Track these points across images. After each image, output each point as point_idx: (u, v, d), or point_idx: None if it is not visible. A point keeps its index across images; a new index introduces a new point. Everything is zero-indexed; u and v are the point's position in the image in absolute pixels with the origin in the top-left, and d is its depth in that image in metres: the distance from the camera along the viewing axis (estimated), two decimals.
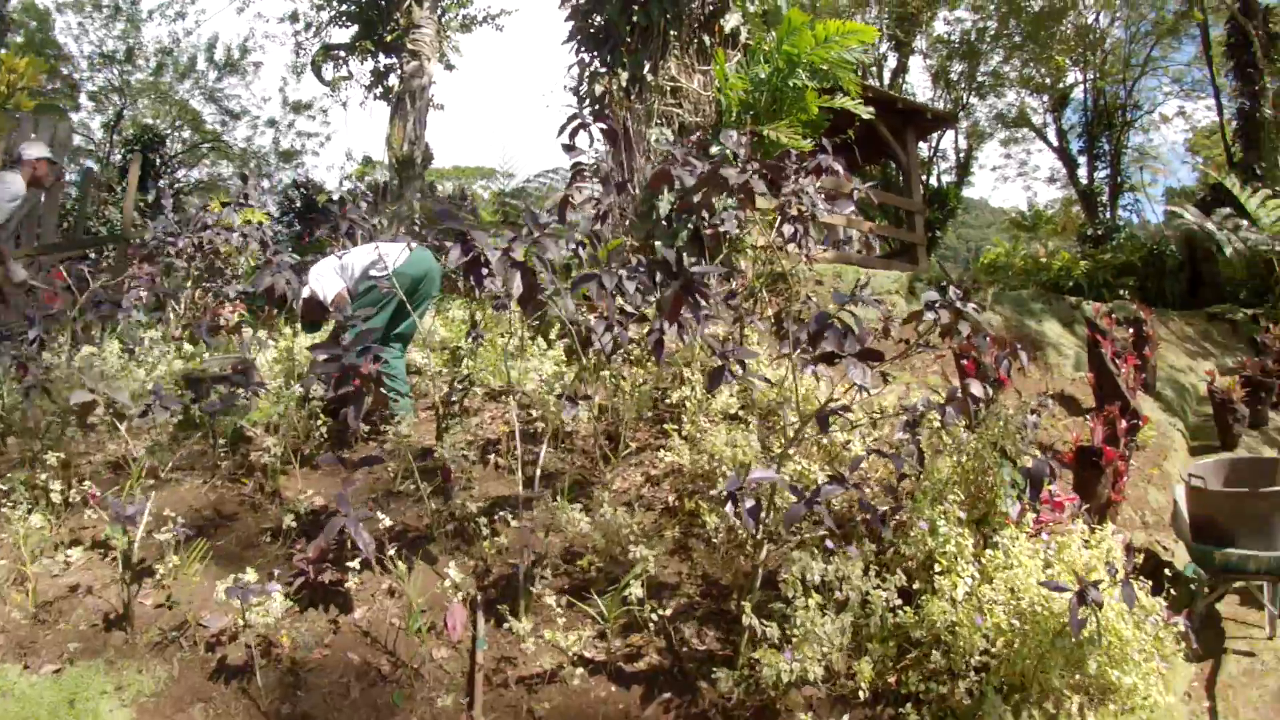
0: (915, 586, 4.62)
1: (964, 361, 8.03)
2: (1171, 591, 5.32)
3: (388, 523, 4.88)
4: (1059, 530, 5.31)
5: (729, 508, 3.74)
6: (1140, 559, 5.62)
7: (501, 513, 5.14)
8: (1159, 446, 9.49)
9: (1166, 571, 6.78)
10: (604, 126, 4.89)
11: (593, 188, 5.10)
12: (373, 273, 6.80)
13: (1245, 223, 18.04)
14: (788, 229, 5.71)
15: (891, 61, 30.92)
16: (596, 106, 10.93)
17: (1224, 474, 6.78)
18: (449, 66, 26.14)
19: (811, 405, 5.97)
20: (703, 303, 4.14)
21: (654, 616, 4.32)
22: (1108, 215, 30.55)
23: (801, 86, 10.58)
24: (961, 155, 32.85)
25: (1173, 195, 34.75)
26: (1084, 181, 31.82)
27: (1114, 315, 12.26)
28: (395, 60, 21.22)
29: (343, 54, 23.66)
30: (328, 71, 24.53)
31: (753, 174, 5.37)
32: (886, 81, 29.87)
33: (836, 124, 11.90)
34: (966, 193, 35.29)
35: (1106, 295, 18.05)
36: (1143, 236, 21.65)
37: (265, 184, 35.30)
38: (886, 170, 24.67)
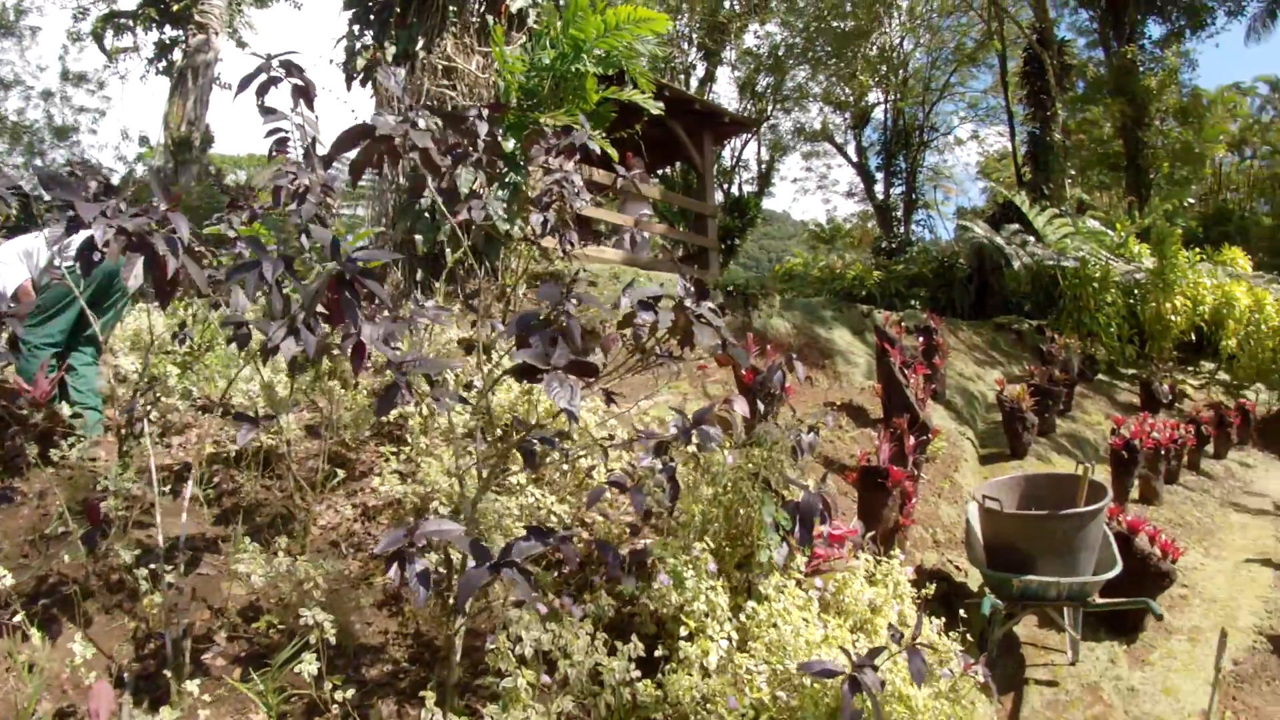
0: (659, 653, 3.85)
1: (743, 371, 7.47)
2: (964, 616, 4.91)
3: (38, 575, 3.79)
4: (839, 568, 4.73)
5: (393, 571, 2.85)
6: (931, 589, 5.14)
7: (178, 559, 4.07)
8: (949, 457, 9.24)
9: (964, 590, 6.45)
10: (299, 82, 3.86)
11: (297, 160, 4.10)
12: (58, 262, 5.64)
13: (1032, 239, 18.69)
14: (535, 218, 4.86)
15: (700, 70, 30.91)
16: (362, 83, 9.95)
17: (1019, 492, 6.40)
18: (241, 43, 24.21)
19: (559, 424, 5.24)
20: (363, 301, 3.21)
21: (338, 697, 3.38)
22: (902, 230, 31.59)
23: (584, 73, 9.86)
24: (763, 166, 33.20)
25: (963, 213, 36.27)
26: (880, 197, 32.80)
27: (904, 324, 12.14)
28: (181, 33, 19.33)
29: (128, 22, 21.43)
30: (109, 40, 22.27)
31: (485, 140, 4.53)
32: (693, 89, 29.73)
33: (625, 120, 11.29)
34: (768, 204, 35.97)
35: (898, 305, 18.24)
36: (934, 251, 22.19)
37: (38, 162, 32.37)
38: (689, 176, 24.53)
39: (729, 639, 3.83)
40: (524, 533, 3.14)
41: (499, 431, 5.38)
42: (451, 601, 3.62)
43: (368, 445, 5.67)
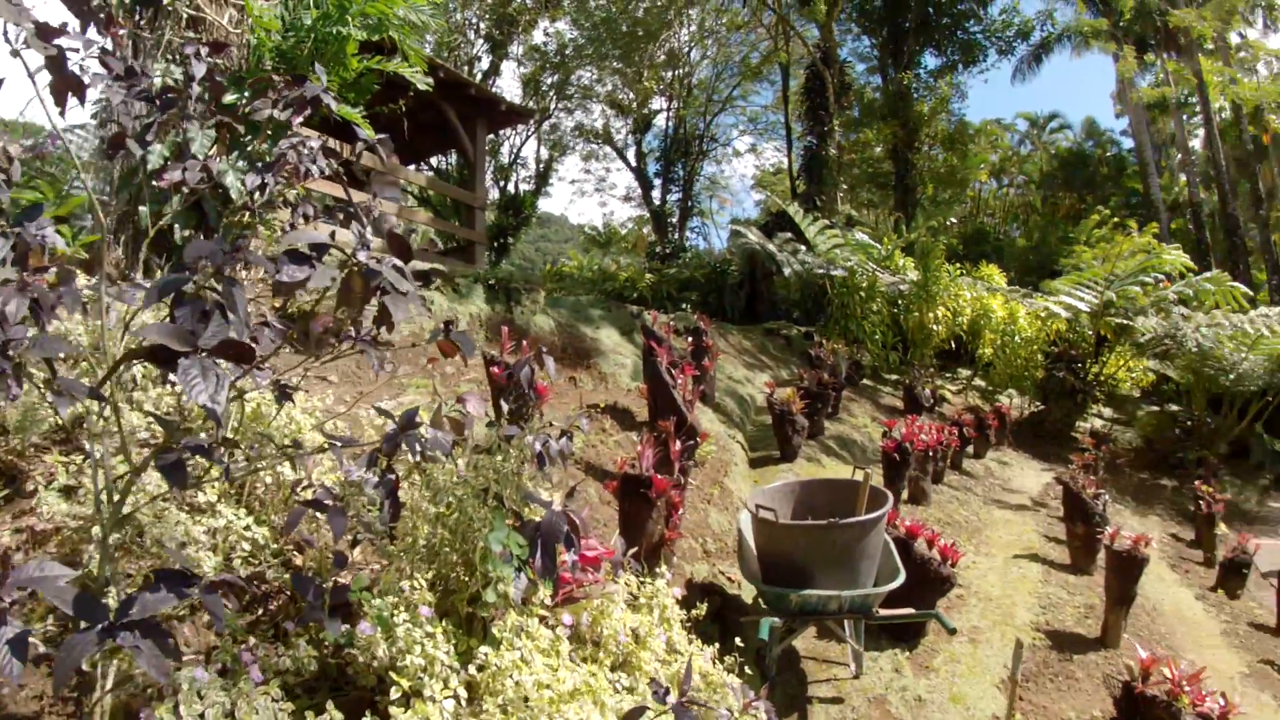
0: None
1: (493, 368, 6.71)
2: (739, 642, 4.44)
3: None
4: (596, 594, 4.03)
5: None
6: (703, 608, 4.58)
7: None
8: (719, 462, 8.77)
9: (738, 604, 5.89)
10: None
11: None
12: None
13: (804, 248, 18.90)
14: (251, 179, 3.92)
15: (485, 63, 29.79)
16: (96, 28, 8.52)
17: (795, 499, 5.90)
18: None
19: (265, 427, 4.29)
20: None
21: None
22: (677, 236, 31.67)
23: (346, 36, 8.83)
24: (542, 165, 32.49)
25: (737, 222, 36.88)
26: (657, 203, 32.71)
27: (675, 325, 11.73)
28: None
29: None
30: None
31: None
32: (477, 80, 28.72)
33: (391, 96, 10.36)
34: (547, 206, 35.60)
35: (670, 308, 17.99)
36: (708, 258, 22.21)
37: None
38: (465, 172, 23.64)
39: (456, 698, 3.01)
40: (215, 565, 2.24)
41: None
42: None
43: (50, 452, 4.47)
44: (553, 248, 60.16)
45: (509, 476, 3.78)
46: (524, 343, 7.40)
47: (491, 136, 29.77)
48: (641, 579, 4.41)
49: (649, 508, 5.29)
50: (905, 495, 9.62)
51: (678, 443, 6.07)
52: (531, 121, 28.27)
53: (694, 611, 4.64)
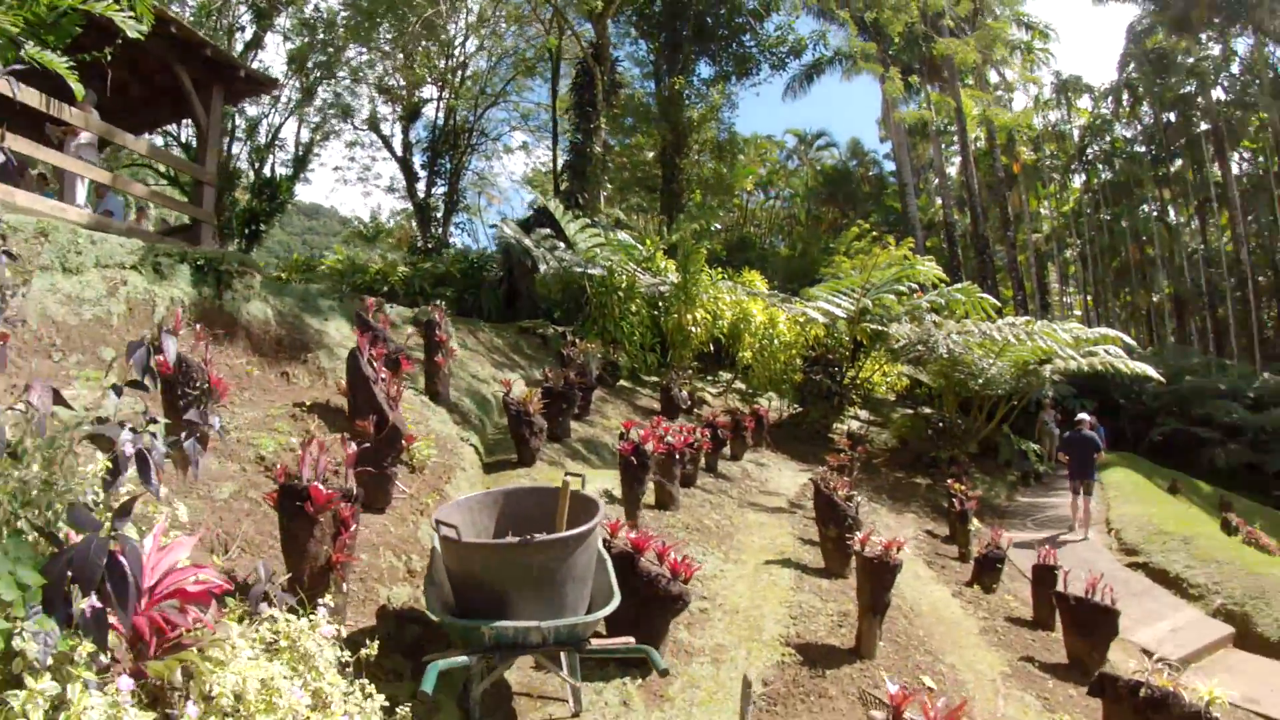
0: None
1: (157, 358, 5.36)
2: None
3: None
4: (208, 640, 2.91)
5: None
6: (375, 647, 3.58)
7: None
8: (443, 467, 7.66)
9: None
10: None
11: None
12: None
13: (563, 245, 18.13)
14: None
15: (249, 33, 27.23)
16: None
17: (499, 510, 4.86)
18: None
19: None
20: None
21: None
22: (441, 231, 30.22)
23: None
24: (302, 148, 30.25)
25: (521, 222, 35.71)
26: (422, 195, 31.11)
27: (417, 318, 10.58)
28: None
29: None
30: None
31: None
32: (237, 53, 26.13)
33: (100, 43, 8.70)
34: (312, 196, 33.13)
35: (422, 303, 16.79)
36: (472, 254, 21.10)
37: None
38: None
39: None
40: None
41: None
42: None
43: None
44: (321, 240, 57.13)
45: (47, 487, 2.61)
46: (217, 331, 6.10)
47: (255, 115, 27.51)
48: (307, 613, 3.36)
49: (309, 525, 4.15)
50: (651, 500, 8.85)
51: (352, 446, 4.92)
52: (275, 93, 25.77)
53: (364, 652, 3.60)
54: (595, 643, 4.18)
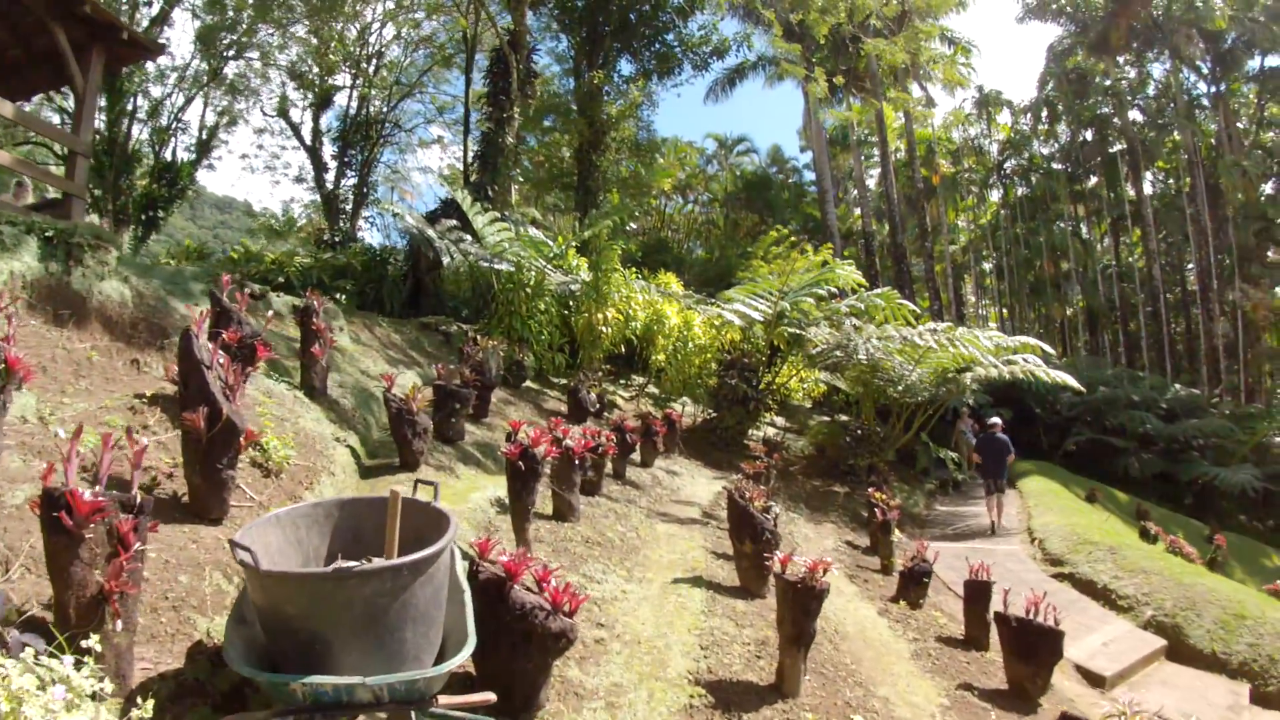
0: None
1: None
2: None
3: None
4: None
5: None
6: (148, 707, 2.64)
7: None
8: (305, 470, 6.66)
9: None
10: None
11: None
12: None
13: (469, 238, 17.20)
14: None
15: (156, 8, 25.51)
16: None
17: (334, 528, 3.81)
18: None
19: None
20: None
21: None
22: (349, 224, 28.84)
23: None
24: (206, 133, 28.61)
25: (428, 215, 34.40)
26: (330, 187, 29.74)
27: (297, 305, 9.54)
28: None
29: None
30: None
31: None
32: (141, 28, 24.46)
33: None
34: (228, 192, 31.58)
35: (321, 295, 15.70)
36: (378, 247, 19.95)
37: None
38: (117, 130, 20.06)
39: None
40: None
41: None
42: None
43: None
44: (233, 234, 54.93)
45: None
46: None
47: (158, 97, 25.78)
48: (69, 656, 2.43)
49: (72, 542, 3.17)
50: (549, 509, 7.96)
51: (141, 440, 3.93)
52: (159, 58, 23.98)
53: (137, 713, 2.69)
54: (445, 700, 3.20)
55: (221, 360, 5.34)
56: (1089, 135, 43.86)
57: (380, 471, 7.92)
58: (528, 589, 4.13)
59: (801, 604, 5.30)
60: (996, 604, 7.52)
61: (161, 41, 22.08)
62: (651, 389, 18.44)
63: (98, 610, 3.27)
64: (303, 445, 7.08)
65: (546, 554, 6.95)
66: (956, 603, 8.91)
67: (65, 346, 6.97)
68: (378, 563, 3.11)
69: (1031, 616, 6.87)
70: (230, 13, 26.51)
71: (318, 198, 31.46)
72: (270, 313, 10.22)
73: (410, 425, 7.94)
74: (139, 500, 3.45)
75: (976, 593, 8.07)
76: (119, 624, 3.32)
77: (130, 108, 24.72)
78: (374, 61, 30.55)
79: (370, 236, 30.92)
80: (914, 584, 8.83)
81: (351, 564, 3.10)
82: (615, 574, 7.00)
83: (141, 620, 3.91)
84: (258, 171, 70.76)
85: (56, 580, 3.26)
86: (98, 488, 3.36)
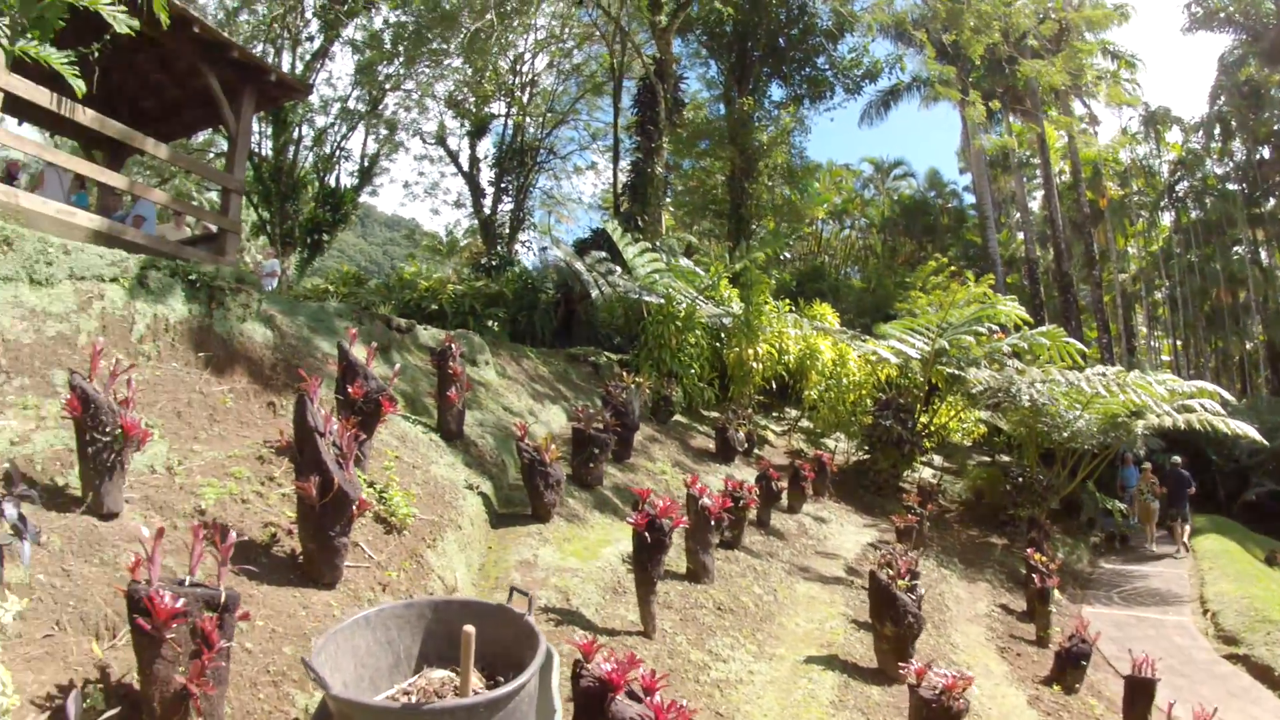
0: None
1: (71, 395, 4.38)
2: None
3: None
4: None
5: None
6: None
7: None
8: (430, 525, 6.55)
9: None
10: None
11: None
12: None
13: (619, 269, 17.14)
14: None
15: (316, 43, 26.53)
16: None
17: (424, 628, 3.43)
18: None
19: None
20: None
21: None
22: (506, 249, 29.32)
23: None
24: (367, 160, 29.64)
25: (577, 242, 34.85)
26: (488, 212, 30.35)
27: (456, 345, 9.46)
28: None
29: None
30: None
31: None
32: (296, 64, 25.57)
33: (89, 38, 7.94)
34: (382, 207, 32.71)
35: (472, 324, 15.80)
36: (529, 274, 20.13)
37: None
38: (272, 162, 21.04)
39: None
40: None
41: None
42: None
43: None
44: (401, 250, 56.78)
45: None
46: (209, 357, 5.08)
47: (322, 126, 26.94)
48: None
49: (154, 644, 3.07)
50: (682, 569, 7.67)
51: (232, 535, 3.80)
52: (307, 98, 24.96)
53: None
54: None
55: (335, 427, 5.25)
56: (1266, 153, 40.05)
57: (511, 522, 7.78)
58: (633, 695, 3.80)
59: None
60: (1161, 701, 6.76)
61: (308, 83, 22.99)
62: (805, 424, 17.96)
63: (180, 707, 3.17)
64: (431, 495, 7.00)
65: (674, 623, 6.63)
66: (1117, 683, 8.09)
67: (202, 391, 7.08)
68: (450, 701, 2.86)
69: None
70: (387, 45, 27.32)
71: (475, 222, 32.20)
72: (399, 361, 10.18)
73: (543, 477, 7.78)
74: (224, 597, 3.33)
75: (1138, 691, 7.21)
76: None
77: (296, 135, 25.76)
78: (528, 90, 31.05)
79: (527, 259, 31.33)
80: (1071, 666, 8.02)
81: (422, 702, 2.87)
82: (744, 649, 6.62)
83: (239, 697, 3.82)
84: (419, 197, 73.42)
85: (142, 675, 3.18)
86: (186, 580, 3.26)
